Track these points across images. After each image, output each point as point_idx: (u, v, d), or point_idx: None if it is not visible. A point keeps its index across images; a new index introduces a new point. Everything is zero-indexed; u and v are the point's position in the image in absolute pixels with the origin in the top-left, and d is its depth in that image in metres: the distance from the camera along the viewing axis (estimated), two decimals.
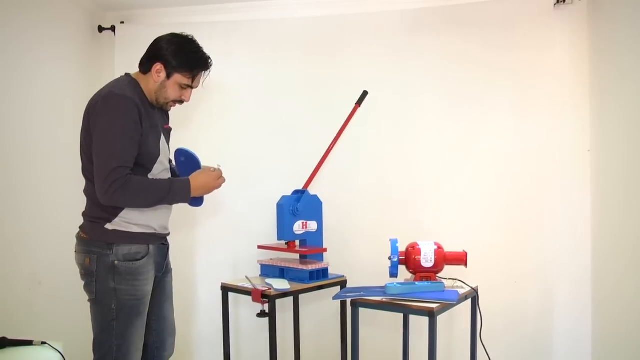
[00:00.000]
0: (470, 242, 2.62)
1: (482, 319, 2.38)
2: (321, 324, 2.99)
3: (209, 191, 2.00)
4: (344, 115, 2.69)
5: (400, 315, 2.62)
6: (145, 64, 1.97)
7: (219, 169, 2.01)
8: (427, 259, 2.31)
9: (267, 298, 2.28)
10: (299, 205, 2.55)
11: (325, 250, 2.62)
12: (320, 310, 2.99)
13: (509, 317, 2.75)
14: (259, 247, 2.68)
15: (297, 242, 2.62)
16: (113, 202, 1.82)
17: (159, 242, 2.07)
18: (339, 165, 2.93)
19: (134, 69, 2.57)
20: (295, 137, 2.93)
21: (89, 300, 1.97)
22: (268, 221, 2.81)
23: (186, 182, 1.93)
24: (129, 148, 1.81)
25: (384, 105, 2.86)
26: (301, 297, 2.91)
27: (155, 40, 1.98)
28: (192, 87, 2.00)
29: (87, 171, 1.94)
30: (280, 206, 2.55)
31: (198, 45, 1.98)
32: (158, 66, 1.94)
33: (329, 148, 2.66)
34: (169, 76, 1.95)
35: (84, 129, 1.90)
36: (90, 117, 1.86)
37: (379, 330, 2.89)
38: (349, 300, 2.23)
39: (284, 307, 2.99)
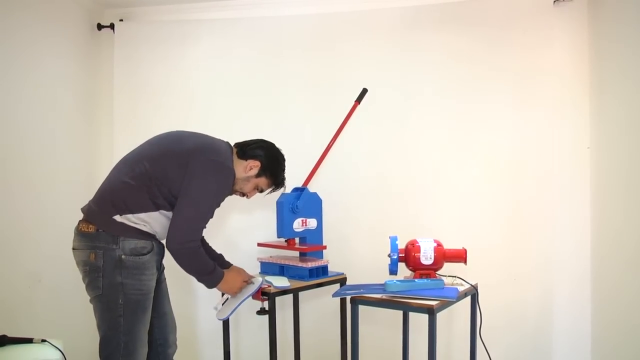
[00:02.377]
0: (470, 239, 2.61)
1: (481, 317, 2.38)
2: (321, 321, 2.99)
3: (230, 290, 2.14)
4: (343, 113, 2.69)
5: (400, 313, 2.62)
6: (247, 153, 2.14)
7: (251, 279, 2.19)
8: (426, 256, 2.31)
9: (267, 295, 2.28)
10: (299, 202, 2.55)
11: (325, 247, 2.60)
12: (320, 308, 3.00)
13: (508, 314, 2.75)
14: (259, 244, 2.67)
15: (297, 240, 2.61)
16: (177, 251, 1.92)
17: (158, 240, 2.12)
18: (339, 163, 2.93)
19: (133, 66, 2.55)
20: (295, 134, 2.93)
21: (92, 299, 1.98)
22: (267, 218, 2.81)
23: (221, 275, 2.08)
24: (211, 215, 2.00)
25: (384, 103, 2.86)
26: (301, 294, 2.90)
27: (265, 142, 2.19)
28: (260, 192, 2.22)
29: (144, 176, 1.97)
30: (280, 204, 2.54)
31: (285, 168, 2.23)
32: (256, 163, 2.14)
33: (328, 145, 2.66)
34: (258, 175, 2.15)
35: (172, 153, 1.97)
36: (191, 157, 1.94)
37: (378, 327, 2.89)
38: (348, 298, 2.24)
39: (283, 304, 2.99)
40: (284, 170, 2.22)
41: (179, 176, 1.98)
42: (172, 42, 2.91)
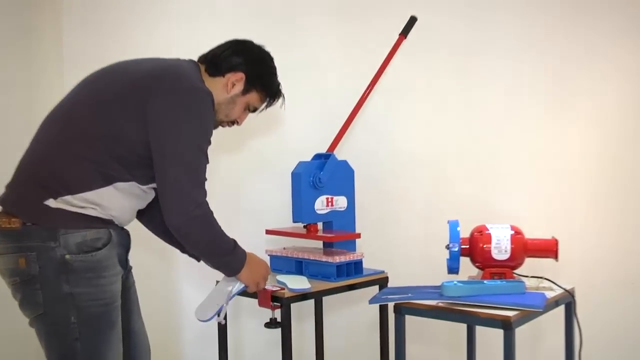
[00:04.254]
0: (561, 229, 2.56)
1: (581, 334, 2.34)
2: (353, 338, 3.00)
3: (254, 280, 2.13)
4: (383, 52, 2.66)
5: (463, 327, 2.60)
6: (222, 66, 2.07)
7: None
8: (500, 249, 2.28)
9: (279, 302, 2.26)
10: (323, 174, 2.53)
11: (359, 236, 2.58)
12: (352, 319, 3.01)
13: (619, 332, 2.72)
14: (267, 232, 2.66)
15: (320, 226, 2.61)
16: (184, 226, 1.90)
17: (120, 228, 2.03)
18: (377, 122, 2.95)
19: (83, 33, 2.38)
20: (318, 82, 2.94)
21: (31, 321, 1.90)
22: (280, 196, 2.81)
23: (244, 254, 2.07)
24: (206, 159, 1.95)
25: (441, 36, 2.85)
26: (326, 300, 2.88)
27: (238, 42, 2.11)
28: (251, 112, 2.18)
29: (83, 137, 1.90)
30: (297, 176, 2.53)
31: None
32: (239, 75, 2.07)
33: (362, 97, 2.66)
34: (245, 91, 2.09)
35: (119, 94, 1.91)
36: (147, 92, 1.89)
37: (433, 347, 2.91)
38: (391, 305, 2.24)
39: (301, 314, 3.01)
40: (275, 73, 2.16)
41: (137, 125, 1.89)
42: None
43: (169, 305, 3.02)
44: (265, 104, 2.18)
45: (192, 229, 1.91)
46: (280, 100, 2.21)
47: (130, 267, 2.14)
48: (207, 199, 1.93)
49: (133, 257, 2.12)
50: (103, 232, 1.91)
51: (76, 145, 1.89)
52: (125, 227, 2.04)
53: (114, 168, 1.90)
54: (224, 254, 2.03)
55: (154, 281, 2.91)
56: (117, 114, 1.90)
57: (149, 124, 1.88)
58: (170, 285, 3.04)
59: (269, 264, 2.23)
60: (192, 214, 1.88)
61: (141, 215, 2.13)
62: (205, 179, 1.93)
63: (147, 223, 2.21)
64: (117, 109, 1.90)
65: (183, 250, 2.18)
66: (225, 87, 2.07)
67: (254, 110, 2.18)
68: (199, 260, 2.16)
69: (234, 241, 2.05)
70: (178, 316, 3.02)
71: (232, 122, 2.16)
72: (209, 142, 1.95)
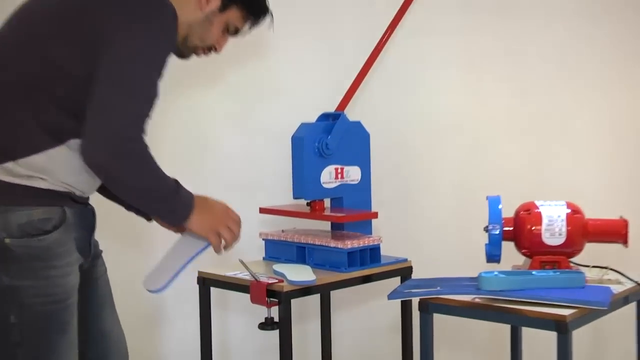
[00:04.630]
0: (629, 209, 2.51)
1: None
2: (368, 342, 3.01)
3: (210, 227, 2.03)
4: None
5: (505, 329, 2.57)
6: None
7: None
8: (553, 231, 2.26)
9: (277, 297, 2.24)
10: (331, 139, 2.51)
11: (376, 215, 2.55)
12: (367, 319, 3.01)
13: None
14: (262, 210, 2.64)
15: (328, 202, 2.60)
16: (111, 159, 1.80)
17: (81, 204, 1.95)
18: (399, 74, 2.91)
19: None
20: (325, 25, 2.92)
21: None
22: (277, 167, 2.83)
23: (191, 197, 1.97)
24: (155, 92, 1.89)
25: None
26: (334, 295, 2.88)
27: None
28: (232, 36, 2.13)
29: (19, 82, 1.82)
30: (299, 140, 2.50)
31: None
32: None
33: (380, 42, 2.64)
34: (223, 7, 2.04)
35: (54, 20, 1.86)
36: (90, 12, 1.85)
37: (466, 353, 2.94)
38: (415, 301, 2.20)
39: (304, 313, 2.99)
40: None
41: (80, 52, 1.81)
42: None
43: (142, 301, 2.89)
44: (248, 23, 2.12)
45: (122, 165, 1.82)
46: (268, 19, 2.14)
47: (100, 253, 2.07)
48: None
49: (101, 242, 2.08)
50: (55, 211, 1.84)
51: (11, 96, 1.82)
52: (89, 204, 1.98)
53: (63, 120, 1.82)
54: (162, 199, 1.92)
55: (123, 272, 2.82)
56: (55, 44, 1.82)
57: (93, 47, 1.80)
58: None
59: (228, 226, 2.08)
60: (119, 149, 1.79)
61: None
62: (148, 116, 1.85)
63: (101, 190, 2.14)
64: (53, 37, 1.82)
65: (128, 207, 2.11)
66: (199, 4, 2.00)
67: (235, 32, 2.10)
68: (149, 220, 2.11)
69: (176, 181, 1.94)
70: (154, 314, 3.00)
71: (209, 49, 2.10)
72: (161, 70, 1.88)
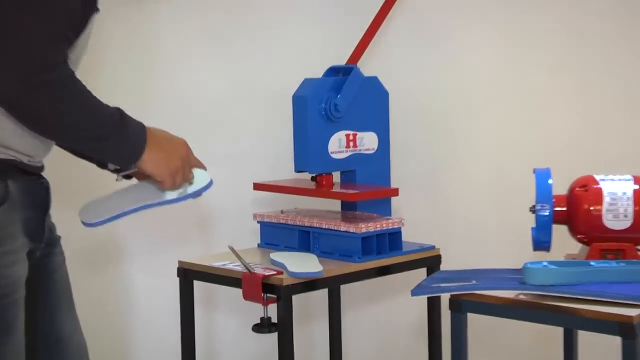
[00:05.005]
0: None
1: None
2: (387, 347, 3.02)
3: (168, 168, 2.01)
4: None
5: (557, 332, 2.50)
6: None
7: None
8: (617, 212, 2.21)
9: (275, 293, 2.22)
10: (341, 98, 2.48)
11: (397, 192, 2.53)
12: (386, 320, 3.03)
13: None
14: (256, 187, 2.61)
15: (337, 177, 2.57)
16: (25, 99, 1.77)
17: (30, 176, 1.92)
18: (423, 22, 2.93)
19: None
20: None
21: None
22: (275, 133, 2.85)
23: (143, 128, 1.95)
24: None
25: None
26: (346, 291, 2.86)
27: None
28: None
29: None
30: (302, 100, 2.48)
31: None
32: None
33: None
34: None
35: None
36: None
37: None
38: (445, 299, 2.16)
39: (309, 312, 3.01)
40: None
41: None
42: None
43: (112, 300, 2.96)
44: None
45: (34, 105, 1.77)
46: None
47: (58, 239, 2.03)
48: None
49: (61, 225, 2.03)
50: None
51: None
52: (42, 177, 1.94)
53: None
54: (101, 137, 1.86)
55: (86, 261, 2.89)
56: None
57: None
58: (116, 269, 3.00)
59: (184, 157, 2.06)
60: (33, 79, 1.74)
61: None
62: (66, 33, 1.82)
63: None
64: None
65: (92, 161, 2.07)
66: None
67: None
68: (118, 173, 2.04)
69: (119, 111, 1.88)
70: (126, 313, 2.99)
71: None
72: None
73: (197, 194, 2.09)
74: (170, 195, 2.05)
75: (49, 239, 1.99)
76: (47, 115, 1.79)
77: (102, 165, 2.09)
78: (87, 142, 1.88)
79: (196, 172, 2.09)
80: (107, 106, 1.86)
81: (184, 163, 2.02)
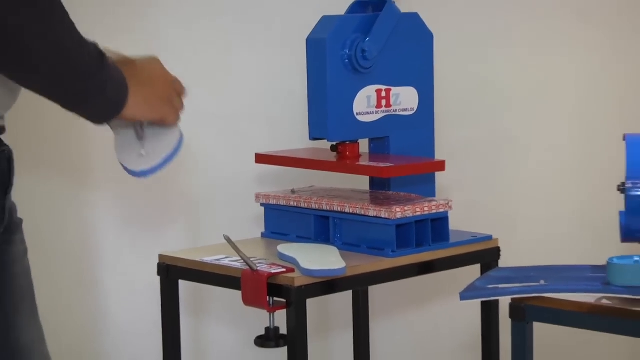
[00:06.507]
0: None
1: None
2: None
3: (160, 101, 2.02)
4: None
5: None
6: None
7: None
8: None
9: (285, 296, 2.23)
10: (370, 41, 2.47)
11: (443, 166, 2.52)
12: (427, 329, 3.09)
13: None
14: (259, 159, 2.64)
15: (365, 146, 2.61)
16: (10, 5, 1.74)
17: None
18: None
19: None
20: None
21: None
22: (283, 88, 2.91)
23: (114, 63, 1.95)
24: None
25: None
26: (374, 293, 2.90)
27: None
28: None
29: None
30: (318, 44, 2.49)
31: None
32: None
33: None
34: None
35: None
36: None
37: None
38: (504, 304, 2.15)
39: (329, 320, 3.07)
40: None
41: None
42: None
43: (79, 304, 2.99)
44: None
45: (16, 19, 1.72)
46: None
47: (19, 222, 2.00)
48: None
49: (19, 204, 1.97)
50: None
51: None
52: (3, 143, 1.90)
53: None
54: (83, 75, 1.83)
55: (56, 254, 2.94)
56: None
57: None
58: (83, 266, 3.01)
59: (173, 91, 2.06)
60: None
61: None
62: None
63: None
64: None
65: None
66: None
67: None
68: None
69: (96, 46, 1.88)
70: (97, 318, 3.01)
71: None
72: None
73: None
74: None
75: (9, 223, 1.94)
76: (28, 38, 1.75)
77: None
78: (69, 82, 1.82)
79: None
80: (86, 38, 1.82)
81: (169, 97, 2.02)
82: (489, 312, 2.51)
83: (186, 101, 2.84)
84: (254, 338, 2.25)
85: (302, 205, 2.49)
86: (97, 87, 1.85)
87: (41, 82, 1.84)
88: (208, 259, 2.36)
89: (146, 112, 1.96)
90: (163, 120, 1.99)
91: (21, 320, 1.99)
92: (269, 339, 2.23)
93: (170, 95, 2.00)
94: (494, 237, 2.51)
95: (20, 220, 1.99)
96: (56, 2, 1.80)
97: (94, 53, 1.85)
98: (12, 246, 1.96)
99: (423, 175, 2.55)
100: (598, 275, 2.08)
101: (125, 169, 2.05)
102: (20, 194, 1.95)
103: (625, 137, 2.20)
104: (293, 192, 2.55)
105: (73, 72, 1.82)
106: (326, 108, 2.46)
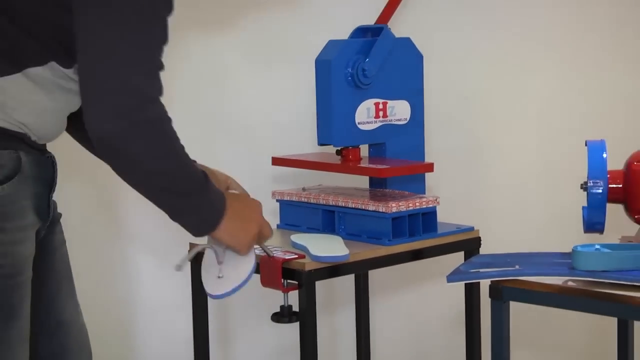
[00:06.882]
0: None
1: None
2: (420, 339, 3.07)
3: (245, 238, 2.10)
4: None
5: (611, 323, 2.56)
6: None
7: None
8: None
9: (297, 279, 2.26)
10: (369, 62, 2.51)
11: (431, 167, 2.57)
12: (419, 309, 3.07)
13: None
14: (275, 162, 2.68)
15: (365, 150, 2.63)
16: (120, 138, 1.82)
17: (38, 150, 1.98)
18: None
19: None
20: None
21: None
22: (295, 102, 2.91)
23: (222, 197, 2.03)
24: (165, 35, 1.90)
25: None
26: (374, 277, 2.94)
27: None
28: None
29: None
30: (325, 64, 2.52)
31: None
32: None
33: None
34: None
35: None
36: None
37: (554, 354, 2.99)
38: (485, 286, 2.19)
39: (334, 300, 3.08)
40: None
41: None
42: None
43: (114, 286, 3.03)
44: None
45: (132, 143, 1.82)
46: None
47: (59, 217, 2.11)
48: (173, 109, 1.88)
49: (60, 203, 2.08)
50: (7, 157, 1.87)
51: None
52: (47, 151, 2.00)
53: (21, 41, 1.87)
54: (187, 193, 1.93)
55: (90, 244, 2.93)
56: None
57: None
58: (120, 253, 3.06)
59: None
60: (134, 117, 1.80)
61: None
62: (162, 65, 1.87)
63: (74, 130, 2.16)
64: None
65: None
66: None
67: None
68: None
69: (204, 174, 1.95)
70: (130, 303, 3.05)
71: None
72: (171, 5, 1.88)
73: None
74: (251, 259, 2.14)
75: (52, 217, 2.06)
76: (139, 159, 1.85)
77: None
78: (169, 195, 1.94)
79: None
80: (193, 162, 1.95)
81: (258, 227, 2.11)
82: (472, 292, 2.56)
83: (219, 114, 3.00)
84: (271, 315, 2.32)
85: (312, 201, 2.56)
86: (193, 206, 1.95)
87: (146, 194, 1.93)
88: None
89: (230, 240, 2.05)
90: (239, 251, 2.08)
91: (62, 298, 2.12)
92: (283, 315, 2.30)
93: (255, 235, 2.08)
94: (475, 228, 2.58)
95: (60, 215, 2.11)
96: (167, 119, 1.86)
97: (196, 176, 1.94)
98: (54, 236, 2.09)
99: (414, 175, 2.60)
100: (565, 261, 2.14)
101: (205, 289, 2.17)
102: (57, 193, 2.06)
103: (587, 143, 2.26)
104: (304, 189, 2.62)
105: (176, 192, 1.93)
106: (332, 118, 2.52)
